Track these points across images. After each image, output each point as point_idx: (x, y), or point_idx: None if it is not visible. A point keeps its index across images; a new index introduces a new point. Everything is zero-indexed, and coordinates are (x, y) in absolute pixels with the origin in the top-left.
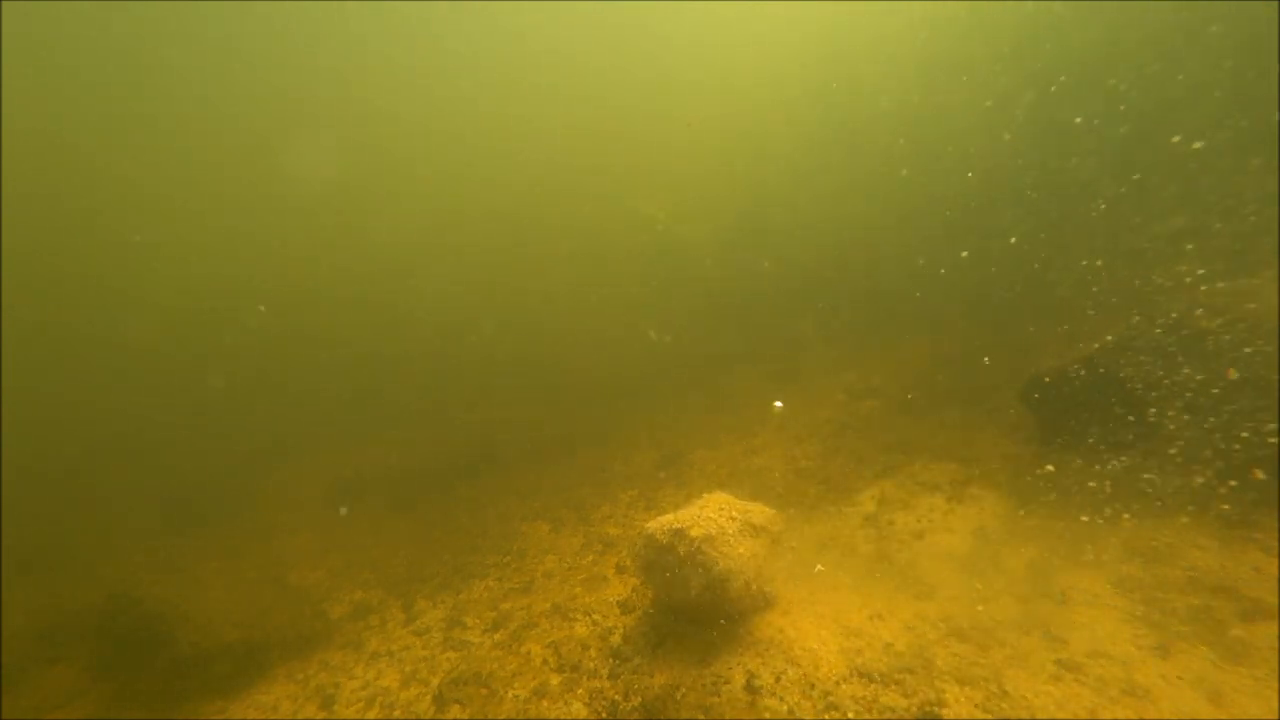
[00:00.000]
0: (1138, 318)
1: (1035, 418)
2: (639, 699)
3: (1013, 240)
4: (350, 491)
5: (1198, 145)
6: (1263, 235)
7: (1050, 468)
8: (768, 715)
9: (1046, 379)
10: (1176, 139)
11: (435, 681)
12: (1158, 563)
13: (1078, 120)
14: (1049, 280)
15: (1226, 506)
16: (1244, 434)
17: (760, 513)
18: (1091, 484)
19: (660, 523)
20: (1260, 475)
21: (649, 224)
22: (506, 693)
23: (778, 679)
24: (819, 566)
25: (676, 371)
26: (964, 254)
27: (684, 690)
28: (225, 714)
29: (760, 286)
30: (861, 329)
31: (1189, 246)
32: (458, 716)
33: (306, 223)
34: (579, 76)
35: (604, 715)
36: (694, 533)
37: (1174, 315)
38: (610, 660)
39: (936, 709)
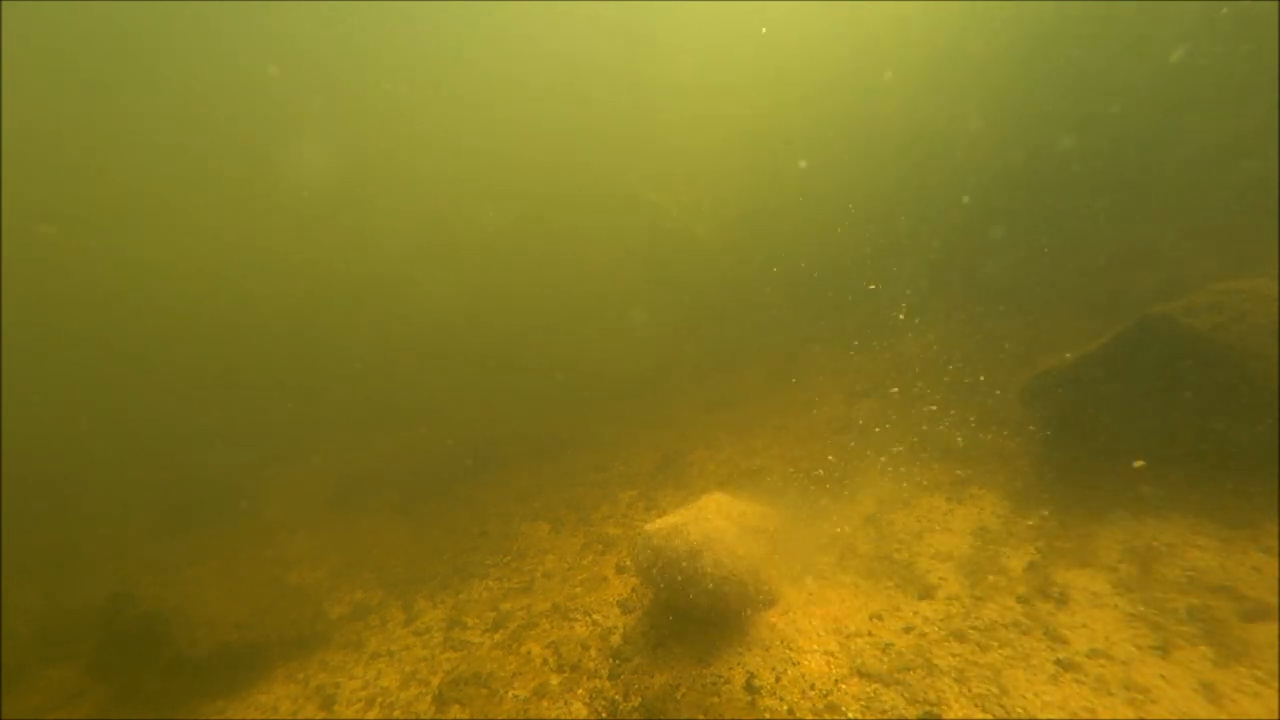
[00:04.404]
0: (1138, 317)
1: (1035, 418)
2: (639, 699)
3: (1004, 234)
4: (351, 492)
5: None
6: (1263, 235)
7: (1051, 466)
8: (768, 715)
9: (1047, 379)
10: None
11: (435, 681)
12: (1158, 563)
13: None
14: (1050, 279)
15: (1226, 506)
16: (1245, 434)
17: (760, 513)
18: (1091, 484)
19: (659, 525)
20: (1259, 475)
21: (653, 212)
22: (506, 693)
23: (778, 679)
24: (817, 564)
25: (676, 371)
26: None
27: (684, 690)
28: (225, 714)
29: (760, 286)
30: (861, 328)
31: (1188, 246)
32: (458, 716)
33: (307, 223)
34: (580, 77)
35: (604, 715)
36: (693, 535)
37: (1174, 314)
38: (610, 660)
39: (936, 709)
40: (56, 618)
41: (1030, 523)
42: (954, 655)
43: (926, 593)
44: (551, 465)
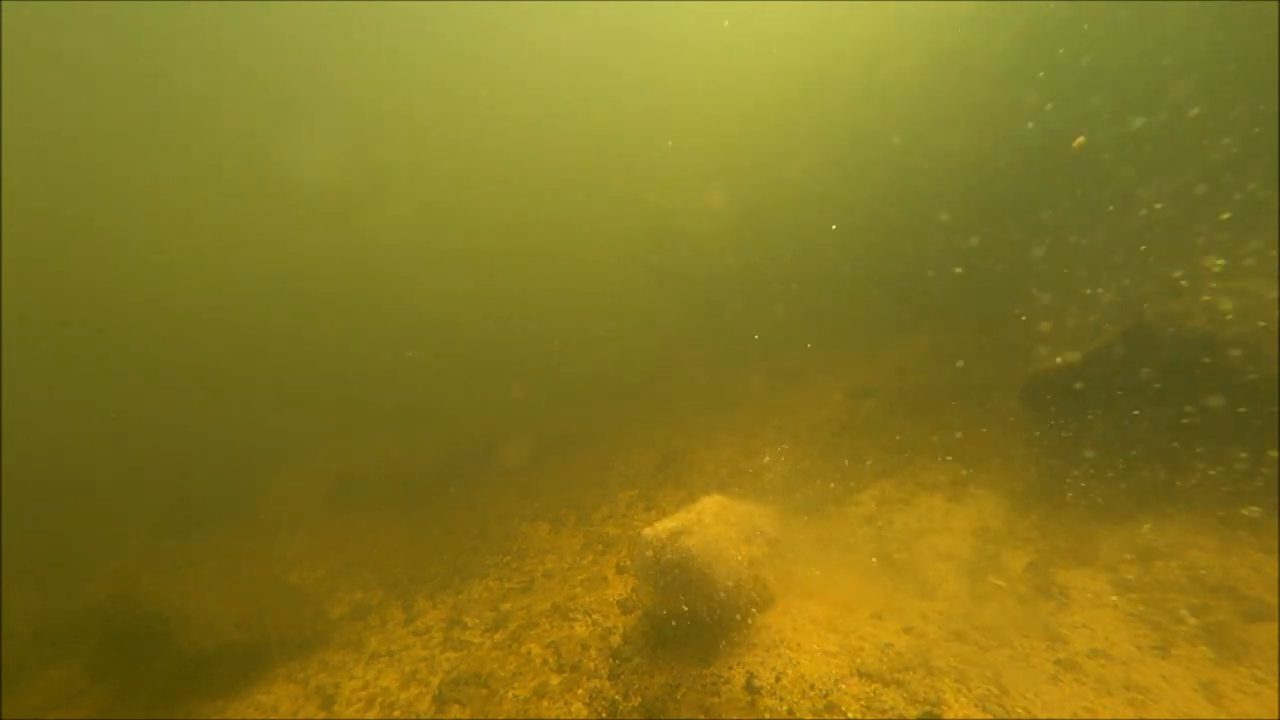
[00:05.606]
0: (1138, 318)
1: (1035, 418)
2: (639, 699)
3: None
4: (350, 491)
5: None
6: (1262, 235)
7: (1051, 466)
8: (768, 715)
9: (1046, 379)
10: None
11: (435, 681)
12: (1158, 563)
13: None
14: (1049, 279)
15: (1226, 506)
16: (1244, 434)
17: (759, 514)
18: (1091, 484)
19: (657, 528)
20: (1260, 475)
21: (658, 216)
22: (506, 693)
23: (778, 679)
24: (817, 568)
25: (676, 371)
26: (958, 270)
27: (684, 690)
28: (225, 714)
29: (760, 286)
30: (861, 328)
31: (1189, 246)
32: (458, 716)
33: (308, 223)
34: (582, 78)
35: (604, 715)
36: (691, 537)
37: (1174, 315)
38: (610, 660)
39: (936, 709)
40: (56, 618)
41: (1030, 523)
42: (954, 655)
43: (926, 593)
44: (552, 465)
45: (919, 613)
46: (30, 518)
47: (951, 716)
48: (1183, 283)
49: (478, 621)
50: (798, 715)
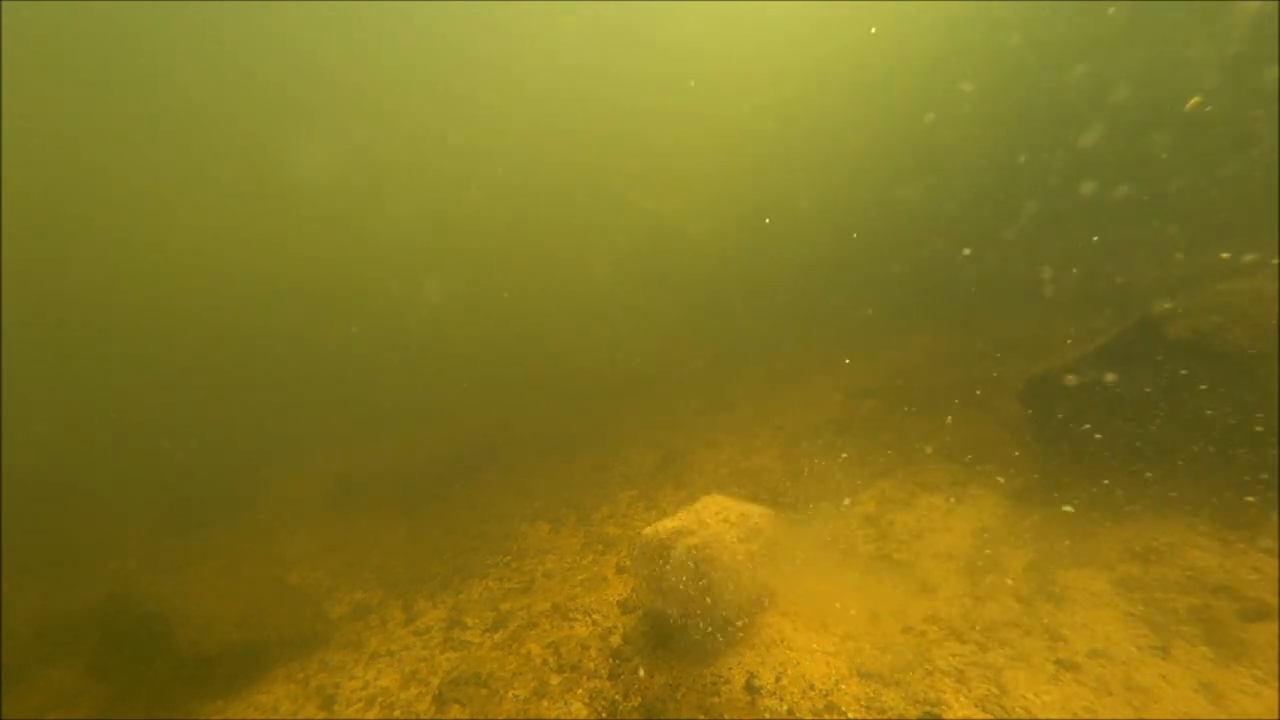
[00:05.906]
0: (1138, 317)
1: (1035, 418)
2: (639, 699)
3: (1012, 234)
4: (351, 492)
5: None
6: (1264, 233)
7: (1051, 466)
8: (768, 715)
9: (1046, 379)
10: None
11: (435, 681)
12: (1158, 563)
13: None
14: (1049, 279)
15: (1226, 506)
16: (1244, 434)
17: (759, 514)
18: (1091, 484)
19: (656, 529)
20: (1259, 475)
21: (648, 218)
22: (506, 693)
23: (778, 679)
24: (817, 565)
25: (676, 371)
26: (966, 251)
27: (684, 690)
28: (225, 714)
29: (760, 286)
30: (861, 328)
31: (1191, 244)
32: (458, 716)
33: (307, 223)
34: (583, 78)
35: (604, 715)
36: (691, 537)
37: (1174, 314)
38: (610, 660)
39: (936, 709)
40: (56, 618)
41: (1030, 523)
42: (954, 655)
43: (926, 593)
44: (551, 465)
45: (919, 613)
46: (30, 518)
47: (951, 716)
48: (1182, 285)
49: (478, 621)
50: (798, 715)
